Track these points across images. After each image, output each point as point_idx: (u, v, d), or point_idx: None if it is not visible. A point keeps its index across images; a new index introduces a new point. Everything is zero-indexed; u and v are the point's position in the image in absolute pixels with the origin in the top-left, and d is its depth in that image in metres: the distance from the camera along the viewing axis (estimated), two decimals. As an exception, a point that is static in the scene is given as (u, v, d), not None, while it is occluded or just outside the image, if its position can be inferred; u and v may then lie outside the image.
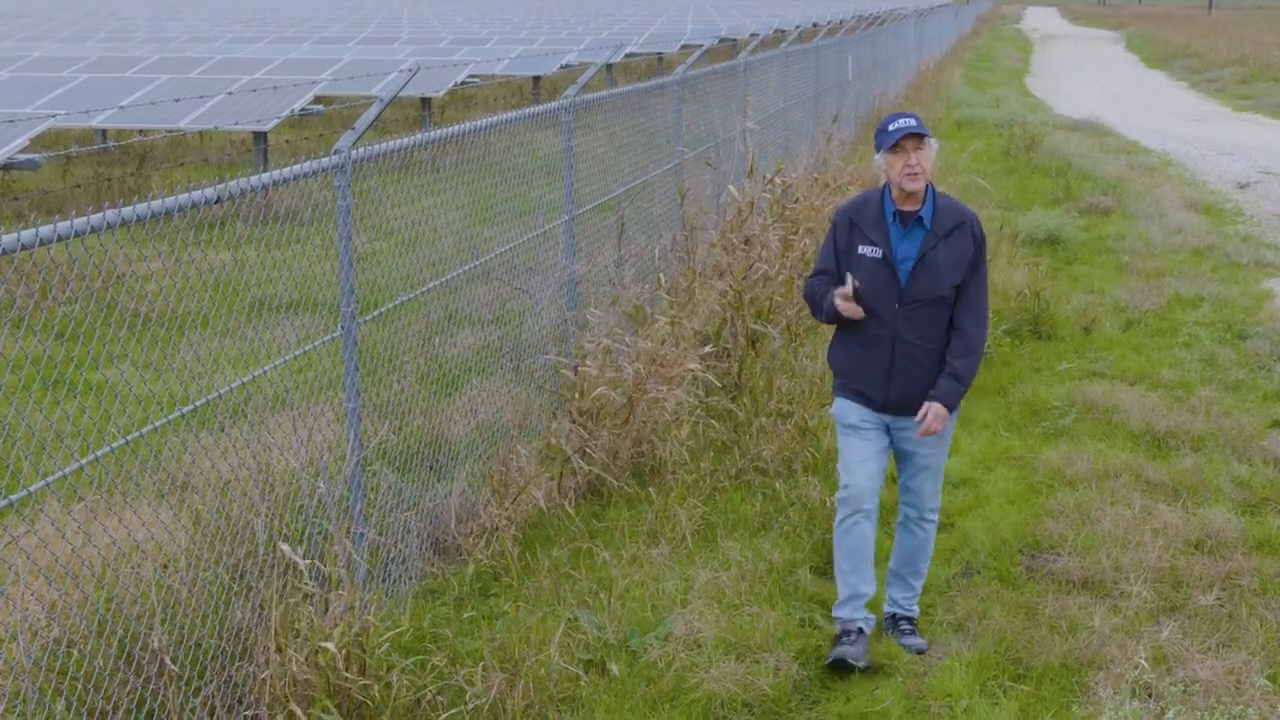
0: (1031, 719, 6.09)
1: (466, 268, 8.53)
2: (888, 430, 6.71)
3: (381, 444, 7.21)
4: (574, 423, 8.50)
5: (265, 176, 5.92)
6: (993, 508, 8.44)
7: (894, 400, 6.58)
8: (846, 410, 6.74)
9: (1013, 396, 10.56)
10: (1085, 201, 18.81)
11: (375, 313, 7.26)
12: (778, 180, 11.58)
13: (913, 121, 6.47)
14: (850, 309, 6.49)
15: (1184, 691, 6.20)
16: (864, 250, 6.56)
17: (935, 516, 6.91)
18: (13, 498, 4.67)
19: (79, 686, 5.13)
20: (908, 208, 6.55)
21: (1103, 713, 5.95)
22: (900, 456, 6.80)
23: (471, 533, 7.61)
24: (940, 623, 7.01)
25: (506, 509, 7.71)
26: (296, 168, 6.14)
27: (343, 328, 6.63)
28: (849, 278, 6.49)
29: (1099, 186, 20.14)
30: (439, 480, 7.77)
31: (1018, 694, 6.31)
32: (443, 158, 8.17)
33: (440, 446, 7.88)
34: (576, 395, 8.62)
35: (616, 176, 11.32)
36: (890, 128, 6.48)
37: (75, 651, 5.26)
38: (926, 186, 6.56)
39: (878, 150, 6.54)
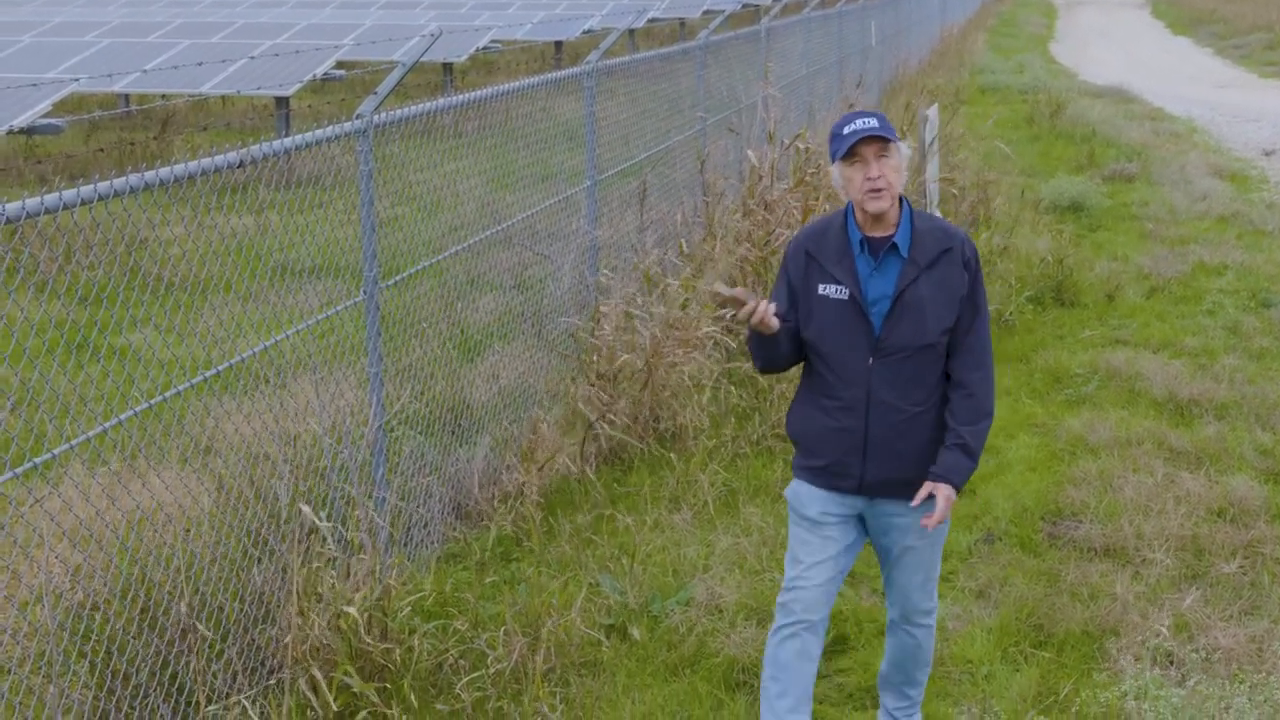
0: (1052, 686, 6.09)
1: (488, 233, 8.53)
2: (860, 520, 5.27)
3: (404, 409, 7.22)
4: (592, 385, 8.50)
5: (288, 141, 5.91)
6: (1014, 475, 8.42)
7: (872, 481, 5.11)
8: (805, 499, 5.24)
9: (1035, 364, 10.53)
10: (1109, 168, 18.72)
11: (397, 277, 7.26)
12: (800, 146, 11.54)
13: (873, 122, 4.97)
14: (743, 315, 5.01)
15: (1205, 659, 6.19)
16: (825, 290, 5.07)
17: (931, 620, 5.46)
18: (37, 460, 4.69)
19: (102, 649, 5.16)
20: (877, 233, 5.06)
21: (1124, 680, 5.95)
22: (881, 550, 5.34)
23: (493, 497, 7.62)
24: (962, 589, 7.00)
25: (530, 474, 7.72)
26: (319, 132, 6.14)
27: (365, 293, 6.63)
28: (717, 288, 4.99)
29: (1123, 153, 20.03)
30: (461, 445, 7.78)
31: (1039, 661, 6.31)
32: (465, 123, 8.16)
33: (462, 411, 7.90)
34: (595, 358, 8.62)
35: (639, 142, 11.29)
36: (845, 130, 5.00)
37: (99, 614, 5.28)
38: (900, 204, 5.10)
39: (832, 160, 5.09)
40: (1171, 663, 6.21)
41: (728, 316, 5.02)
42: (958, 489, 5.05)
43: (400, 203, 8.23)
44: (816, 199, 11.30)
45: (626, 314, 8.89)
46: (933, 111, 13.87)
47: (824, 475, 5.17)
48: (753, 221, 10.73)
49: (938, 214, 13.51)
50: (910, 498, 5.10)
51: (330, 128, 6.23)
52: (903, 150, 5.06)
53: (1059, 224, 15.09)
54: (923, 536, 5.20)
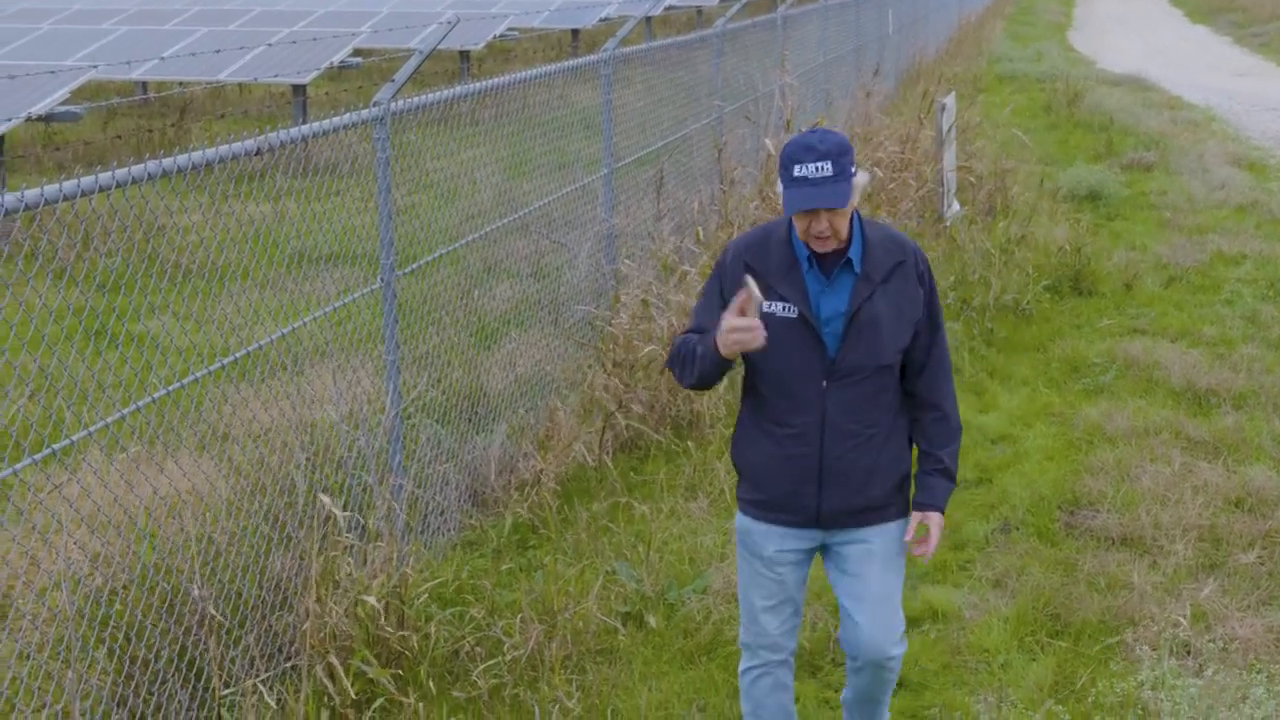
0: (1069, 675, 6.08)
1: (505, 221, 8.53)
2: (816, 550, 4.92)
3: (421, 396, 7.23)
4: (609, 374, 8.50)
5: (305, 128, 5.92)
6: (1031, 464, 8.41)
7: (828, 512, 4.75)
8: (758, 538, 4.86)
9: (1052, 353, 10.51)
10: (1127, 157, 18.66)
11: (414, 265, 7.27)
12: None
13: (827, 169, 4.46)
14: (740, 332, 4.46)
15: (1223, 649, 6.18)
16: (771, 308, 4.62)
17: (897, 663, 4.96)
18: (56, 446, 4.71)
19: (121, 635, 5.18)
20: (828, 248, 4.64)
21: (1141, 670, 5.94)
22: (839, 582, 4.91)
23: (510, 485, 7.63)
24: (979, 578, 7.00)
25: (547, 462, 7.73)
26: (336, 119, 6.14)
27: (382, 280, 6.63)
28: (750, 282, 4.46)
29: (1141, 142, 19.97)
30: (478, 433, 7.79)
31: (1055, 650, 6.30)
32: (481, 111, 8.16)
33: (479, 399, 7.90)
34: (612, 347, 8.62)
35: (655, 130, 11.28)
36: (796, 171, 4.49)
37: (117, 600, 5.30)
38: (851, 217, 4.66)
39: (780, 188, 4.62)
40: (1189, 653, 6.20)
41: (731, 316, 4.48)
42: (943, 514, 4.87)
43: (417, 190, 8.24)
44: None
45: (644, 302, 8.89)
46: (950, 100, 13.85)
47: (776, 510, 4.80)
48: (769, 210, 10.72)
49: (955, 205, 13.51)
50: (868, 524, 4.80)
51: (348, 115, 6.24)
52: (860, 182, 4.58)
53: (1077, 213, 15.06)
54: (883, 565, 4.84)
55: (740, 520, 4.94)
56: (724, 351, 4.52)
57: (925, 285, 4.78)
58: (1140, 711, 5.57)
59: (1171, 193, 16.49)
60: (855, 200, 4.58)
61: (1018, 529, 7.53)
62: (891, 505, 4.83)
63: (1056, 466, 8.36)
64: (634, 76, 11.04)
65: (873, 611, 4.82)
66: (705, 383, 4.74)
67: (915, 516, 4.85)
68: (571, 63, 9.34)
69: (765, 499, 4.82)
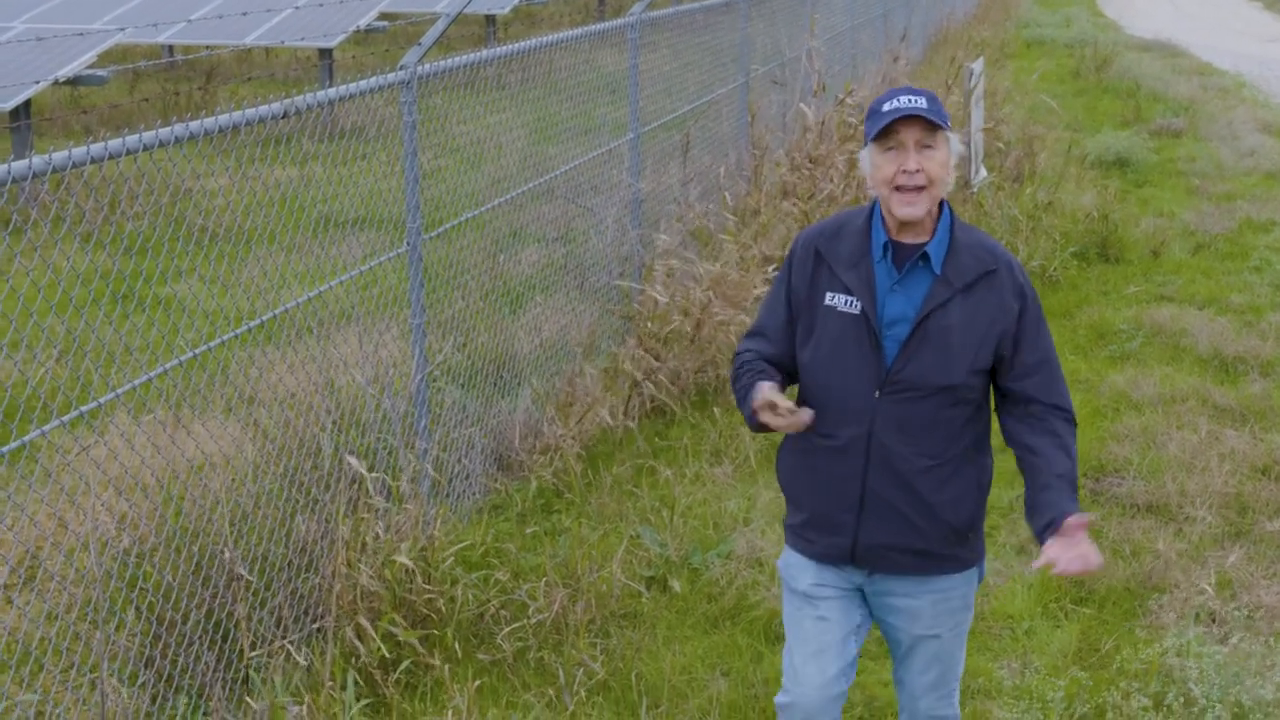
0: (1093, 642, 6.08)
1: (530, 185, 8.53)
2: (862, 596, 4.34)
3: (446, 360, 7.24)
4: (642, 348, 8.49)
5: (332, 91, 5.92)
6: (1057, 431, 8.38)
7: (865, 548, 4.17)
8: (796, 569, 4.36)
9: (1079, 319, 10.47)
10: (1156, 123, 18.56)
11: (440, 229, 7.27)
12: (849, 101, 11.48)
13: (921, 101, 4.01)
14: (781, 421, 4.07)
15: (1248, 617, 6.17)
16: (833, 300, 4.14)
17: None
18: (83, 409, 4.73)
19: (149, 596, 5.21)
20: (907, 238, 4.12)
21: (1166, 637, 5.93)
22: (891, 639, 4.43)
23: (535, 449, 7.64)
24: (1003, 545, 6.99)
25: (571, 427, 7.74)
26: (363, 83, 6.14)
27: (408, 244, 6.64)
28: (800, 411, 4.07)
29: (1170, 108, 19.85)
30: (503, 397, 7.80)
31: (1080, 617, 6.30)
32: (507, 75, 8.14)
33: (504, 363, 7.91)
34: (647, 321, 8.61)
35: (681, 95, 11.25)
36: (884, 106, 4.04)
37: (145, 562, 5.33)
38: (941, 207, 4.14)
39: (865, 140, 4.14)
40: (1214, 620, 6.19)
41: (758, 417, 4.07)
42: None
43: (443, 155, 8.23)
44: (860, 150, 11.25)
45: (668, 270, 8.88)
46: (978, 65, 13.78)
47: (813, 536, 4.26)
48: (799, 176, 10.70)
49: (982, 171, 13.44)
50: (916, 573, 4.19)
51: (374, 78, 6.23)
52: (954, 144, 4.08)
53: (1104, 179, 14.99)
54: (939, 624, 4.28)
55: (783, 556, 4.44)
56: (761, 420, 4.09)
57: (1023, 300, 4.13)
58: (1165, 679, 5.57)
59: (1200, 159, 16.39)
60: (951, 167, 4.08)
61: (1043, 496, 7.51)
62: (950, 558, 4.20)
63: (1082, 433, 8.29)
64: (660, 41, 11.01)
65: (918, 675, 4.40)
66: (759, 430, 4.22)
67: (1066, 522, 4.02)
68: (598, 27, 9.32)
69: (805, 519, 4.28)
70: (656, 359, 8.46)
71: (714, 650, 6.03)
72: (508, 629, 5.95)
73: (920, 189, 4.00)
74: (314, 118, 5.97)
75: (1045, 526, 4.06)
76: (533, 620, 6.02)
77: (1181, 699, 5.35)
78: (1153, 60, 25.01)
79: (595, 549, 6.51)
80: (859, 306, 4.09)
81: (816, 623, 4.29)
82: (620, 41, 9.61)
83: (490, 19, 26.42)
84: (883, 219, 4.15)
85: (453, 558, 6.03)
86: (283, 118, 5.57)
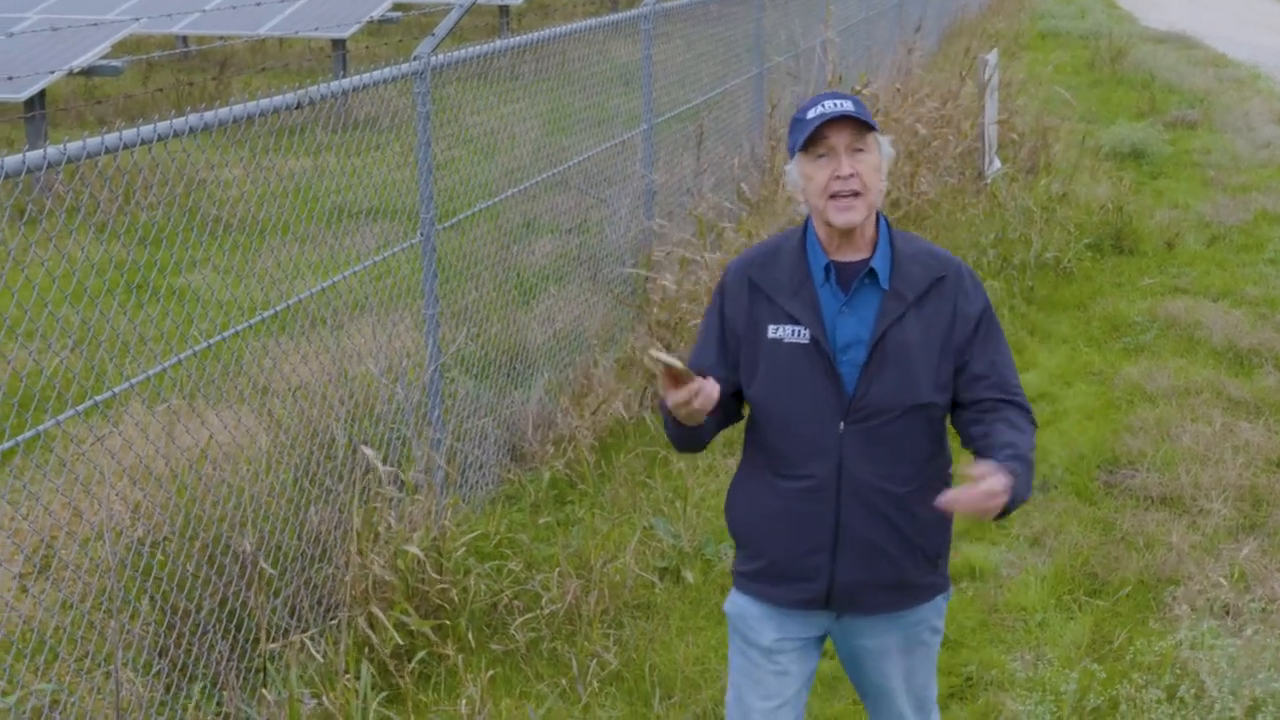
0: (1107, 634, 6.07)
1: (544, 176, 8.52)
2: (821, 640, 4.07)
3: (459, 351, 7.25)
4: (651, 334, 8.50)
5: (346, 82, 5.92)
6: (1071, 422, 8.38)
7: (844, 587, 3.87)
8: (755, 622, 4.02)
9: (1093, 311, 10.45)
10: (1171, 115, 18.51)
11: (453, 220, 7.27)
12: (864, 92, 11.46)
13: (848, 105, 3.75)
14: (680, 394, 3.65)
15: (1263, 610, 6.15)
16: (778, 332, 3.84)
17: None
18: (98, 398, 4.74)
19: (163, 586, 5.22)
20: (848, 255, 3.83)
21: (1179, 629, 5.92)
22: (859, 679, 4.16)
23: (548, 440, 7.65)
24: (1016, 536, 6.99)
25: (585, 418, 7.74)
26: (377, 73, 6.14)
27: (422, 234, 6.64)
28: (658, 355, 3.55)
29: (1185, 99, 19.80)
30: (516, 388, 7.81)
31: (1093, 609, 6.29)
32: (521, 65, 8.14)
33: (517, 354, 7.92)
34: (654, 308, 8.61)
35: (695, 86, 11.24)
36: (808, 113, 3.78)
37: (159, 551, 5.34)
38: (877, 220, 3.87)
39: (790, 152, 3.86)
40: (1228, 613, 6.18)
41: (658, 390, 3.57)
42: (1012, 506, 3.60)
43: (456, 145, 8.23)
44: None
45: (683, 260, 8.88)
46: (992, 56, 13.76)
47: (778, 584, 3.92)
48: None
49: (996, 162, 13.42)
50: (891, 609, 3.93)
51: (388, 69, 6.23)
52: (885, 148, 3.84)
53: (1119, 171, 14.95)
54: (910, 657, 4.03)
55: (734, 602, 4.09)
56: (683, 421, 3.78)
57: (976, 304, 3.88)
58: (1179, 671, 5.56)
59: (1215, 151, 16.35)
60: (884, 172, 3.84)
61: (1056, 487, 7.51)
62: (926, 585, 3.97)
63: (1096, 425, 8.32)
64: (674, 32, 11.00)
65: (894, 706, 4.12)
66: (693, 445, 4.04)
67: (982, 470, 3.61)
68: (612, 17, 9.31)
69: (765, 566, 3.94)
70: (668, 348, 8.46)
71: (726, 642, 6.02)
72: (521, 619, 5.96)
73: (856, 194, 3.73)
74: (328, 108, 5.98)
75: (996, 457, 3.66)
76: (546, 611, 6.03)
77: (1194, 692, 5.34)
78: (1168, 52, 24.94)
79: (608, 540, 6.52)
80: (808, 335, 3.80)
81: (777, 677, 4.00)
82: (634, 32, 9.60)
83: (504, 9, 26.41)
84: (818, 239, 3.86)
85: (465, 548, 6.04)
86: (296, 108, 5.58)
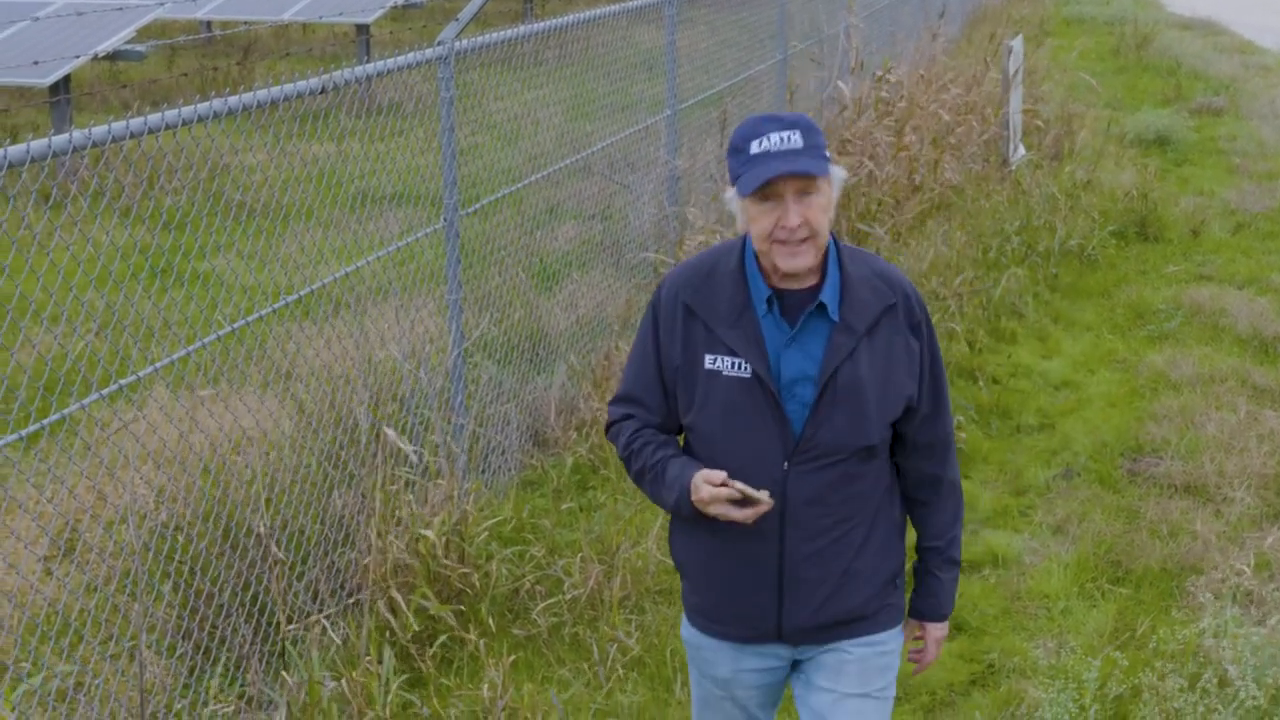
0: (1129, 622, 6.06)
1: (567, 162, 8.52)
2: (786, 665, 3.81)
3: (482, 336, 7.26)
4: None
5: (370, 67, 5.92)
6: (1094, 410, 8.36)
7: (791, 626, 3.63)
8: (709, 654, 3.80)
9: (1117, 299, 10.42)
10: (1196, 102, 18.42)
11: (477, 205, 7.28)
12: (889, 78, 11.43)
13: (796, 139, 3.38)
14: (743, 514, 3.44)
15: (1286, 598, 6.13)
16: (716, 364, 3.51)
17: None
18: (123, 382, 4.75)
19: (186, 569, 5.24)
20: (793, 284, 3.51)
21: (1203, 618, 5.90)
22: (805, 699, 3.78)
23: (570, 425, 7.65)
24: (1039, 524, 6.97)
25: (607, 403, 7.74)
26: (401, 58, 6.14)
27: (445, 220, 6.65)
28: (742, 489, 3.42)
29: (1211, 86, 19.70)
30: (539, 373, 7.81)
31: (1116, 597, 6.28)
32: (544, 51, 8.14)
33: (540, 340, 7.92)
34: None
35: (718, 71, 11.23)
36: (753, 148, 3.39)
37: (182, 535, 5.36)
38: (827, 240, 3.51)
39: (731, 181, 3.49)
40: (1252, 601, 6.15)
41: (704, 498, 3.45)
42: (948, 619, 3.85)
43: (479, 131, 8.24)
44: (901, 130, 11.21)
45: (706, 246, 8.87)
46: (1017, 42, 13.71)
47: (725, 621, 3.70)
48: (838, 155, 10.66)
49: (1021, 149, 13.38)
50: (848, 636, 3.68)
51: (412, 54, 6.23)
52: (836, 176, 3.48)
53: (1144, 158, 14.89)
54: (867, 682, 3.71)
55: (686, 631, 3.85)
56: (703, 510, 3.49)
57: (922, 338, 3.60)
58: (1201, 660, 5.54)
59: (1241, 138, 16.27)
60: (834, 196, 3.49)
61: (1080, 475, 7.50)
62: (880, 611, 3.71)
63: (1120, 413, 8.30)
64: (698, 18, 10.99)
65: None
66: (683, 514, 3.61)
67: (910, 626, 3.83)
68: (635, 3, 9.30)
69: (711, 607, 3.71)
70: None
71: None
72: (543, 604, 5.97)
73: (804, 243, 3.40)
74: (351, 93, 5.98)
75: (923, 615, 3.83)
76: (568, 596, 6.04)
77: (1217, 680, 5.32)
78: (1193, 38, 24.82)
79: (630, 525, 6.52)
80: (749, 369, 3.48)
81: (736, 706, 3.84)
82: (658, 18, 9.59)
83: (527, -5, 26.40)
84: (758, 263, 3.53)
85: (487, 533, 6.05)
86: (320, 93, 5.58)
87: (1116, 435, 7.94)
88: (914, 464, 3.71)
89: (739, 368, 3.49)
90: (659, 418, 3.68)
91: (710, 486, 3.43)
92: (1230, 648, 5.49)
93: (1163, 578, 6.41)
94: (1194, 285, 10.67)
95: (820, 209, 3.41)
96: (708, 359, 3.52)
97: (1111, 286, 10.69)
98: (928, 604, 3.80)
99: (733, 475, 3.46)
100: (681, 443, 3.72)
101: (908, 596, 3.84)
